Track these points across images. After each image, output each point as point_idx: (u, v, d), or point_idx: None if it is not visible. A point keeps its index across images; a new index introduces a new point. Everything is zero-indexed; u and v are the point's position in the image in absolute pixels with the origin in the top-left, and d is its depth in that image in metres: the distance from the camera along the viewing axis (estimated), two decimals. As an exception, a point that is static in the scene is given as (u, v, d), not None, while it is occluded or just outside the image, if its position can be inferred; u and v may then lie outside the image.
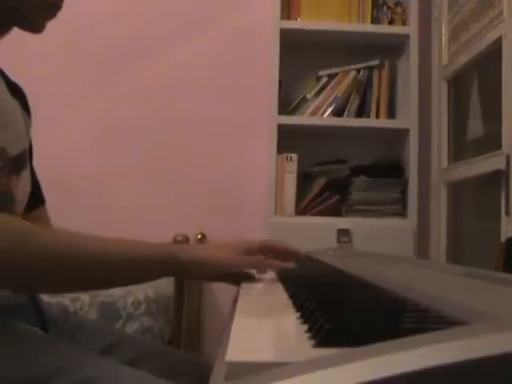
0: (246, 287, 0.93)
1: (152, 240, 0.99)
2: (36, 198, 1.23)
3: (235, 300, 0.82)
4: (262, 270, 1.07)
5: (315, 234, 2.67)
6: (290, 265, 1.10)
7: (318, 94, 2.89)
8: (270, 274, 1.08)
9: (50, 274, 0.86)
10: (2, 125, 1.02)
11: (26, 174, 1.11)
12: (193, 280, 1.04)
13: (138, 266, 0.94)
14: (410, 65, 2.81)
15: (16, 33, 1.08)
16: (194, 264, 0.97)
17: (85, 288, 1.02)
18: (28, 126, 1.20)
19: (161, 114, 3.04)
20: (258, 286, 0.98)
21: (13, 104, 1.11)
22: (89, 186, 2.97)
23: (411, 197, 2.77)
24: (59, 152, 2.93)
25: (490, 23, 2.29)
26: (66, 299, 2.19)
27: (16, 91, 1.17)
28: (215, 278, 1.07)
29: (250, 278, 1.06)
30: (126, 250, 0.93)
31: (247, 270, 1.08)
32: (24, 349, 0.91)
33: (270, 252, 1.10)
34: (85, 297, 2.22)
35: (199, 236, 2.80)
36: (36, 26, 1.06)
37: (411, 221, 2.74)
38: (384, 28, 2.90)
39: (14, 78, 1.19)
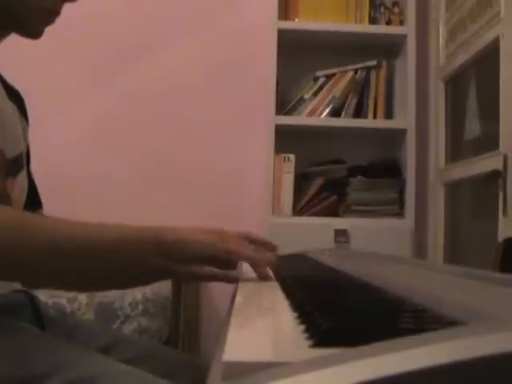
0: (243, 287, 0.93)
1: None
2: (32, 203, 1.24)
3: (232, 300, 0.82)
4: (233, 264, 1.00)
5: (312, 235, 2.67)
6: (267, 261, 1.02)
7: (315, 94, 2.89)
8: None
9: (37, 264, 0.84)
10: (0, 128, 1.03)
11: (22, 176, 1.12)
12: (178, 268, 0.97)
13: (125, 248, 0.92)
14: (407, 65, 2.81)
15: (13, 34, 1.08)
16: (179, 245, 0.94)
17: (77, 283, 0.95)
18: (25, 130, 1.20)
19: (158, 114, 3.04)
20: (256, 285, 0.98)
21: (10, 107, 1.11)
22: (87, 186, 2.97)
23: (409, 197, 2.77)
24: (57, 152, 2.93)
25: (488, 23, 2.30)
26: (63, 300, 2.19)
27: (13, 95, 1.17)
28: (196, 260, 0.98)
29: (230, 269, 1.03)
30: (113, 233, 0.93)
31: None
32: (22, 346, 0.91)
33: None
34: (82, 297, 2.21)
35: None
36: (34, 32, 1.07)
37: (409, 221, 2.74)
38: (381, 28, 2.91)
39: (10, 79, 1.19)
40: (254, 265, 0.99)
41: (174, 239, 0.94)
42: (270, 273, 1.02)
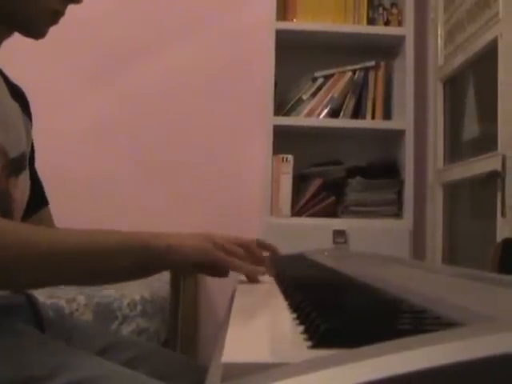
0: (241, 288, 0.93)
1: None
2: (39, 200, 1.25)
3: (231, 301, 0.82)
4: (223, 272, 1.03)
5: (311, 235, 2.67)
6: (257, 272, 1.03)
7: (313, 94, 2.89)
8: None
9: (24, 270, 0.86)
10: (2, 128, 1.03)
11: (24, 176, 1.12)
12: (165, 269, 0.99)
13: (110, 254, 0.93)
14: (405, 66, 2.82)
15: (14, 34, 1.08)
16: (168, 251, 0.94)
17: (62, 282, 0.98)
18: (28, 129, 1.21)
19: (156, 116, 3.04)
20: (254, 286, 0.98)
21: (13, 107, 1.12)
22: (86, 186, 2.97)
23: (407, 198, 2.77)
24: (56, 152, 2.93)
25: (486, 24, 2.30)
26: (61, 300, 2.19)
27: (17, 94, 1.17)
28: (186, 266, 1.03)
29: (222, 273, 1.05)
30: (100, 240, 0.93)
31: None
32: (21, 348, 0.91)
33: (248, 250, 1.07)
34: (80, 298, 2.21)
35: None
36: (39, 33, 1.07)
37: (407, 222, 2.75)
38: (380, 29, 2.91)
39: (14, 79, 1.19)
40: (245, 274, 1.03)
41: (163, 246, 0.95)
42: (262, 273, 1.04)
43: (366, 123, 2.86)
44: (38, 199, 1.24)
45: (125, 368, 0.94)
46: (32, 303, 1.12)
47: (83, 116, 3.02)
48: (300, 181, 2.88)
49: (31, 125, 1.24)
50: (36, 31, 1.07)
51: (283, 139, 2.77)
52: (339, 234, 2.70)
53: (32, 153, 1.25)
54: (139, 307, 2.26)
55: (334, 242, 2.69)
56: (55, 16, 1.06)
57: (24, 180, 1.12)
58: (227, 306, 0.84)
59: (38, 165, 1.29)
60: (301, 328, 0.52)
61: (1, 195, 1.03)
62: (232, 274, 1.05)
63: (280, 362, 0.38)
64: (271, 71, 2.77)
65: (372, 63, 2.90)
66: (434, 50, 2.90)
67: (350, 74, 2.89)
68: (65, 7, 1.07)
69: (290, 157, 2.80)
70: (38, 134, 1.29)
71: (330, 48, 2.95)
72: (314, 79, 2.93)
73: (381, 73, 2.91)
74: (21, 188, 1.10)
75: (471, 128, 2.58)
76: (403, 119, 2.81)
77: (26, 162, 1.14)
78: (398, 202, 2.82)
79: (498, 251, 1.65)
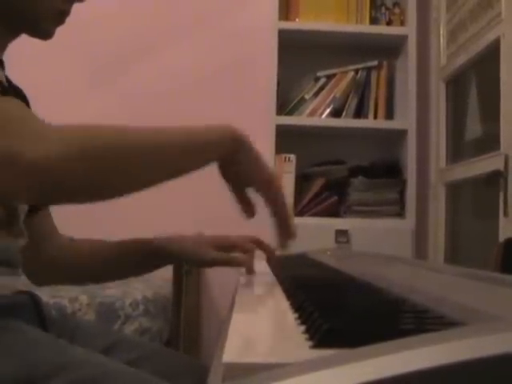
0: (243, 288, 0.93)
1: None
2: None
3: (233, 301, 0.82)
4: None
5: (313, 235, 2.67)
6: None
7: (316, 94, 2.89)
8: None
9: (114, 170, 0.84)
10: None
11: None
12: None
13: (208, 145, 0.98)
14: (408, 65, 2.81)
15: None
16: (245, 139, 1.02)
17: (148, 181, 0.92)
18: None
19: (158, 116, 3.03)
20: (256, 286, 0.98)
21: None
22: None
23: (409, 197, 2.77)
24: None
25: (489, 24, 2.29)
26: (64, 300, 2.19)
27: (18, 96, 1.17)
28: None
29: None
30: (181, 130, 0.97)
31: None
32: (25, 347, 0.91)
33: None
34: (83, 297, 2.21)
35: (197, 236, 2.79)
36: (46, 33, 1.08)
37: (409, 221, 2.74)
38: (382, 29, 2.90)
39: (12, 78, 1.19)
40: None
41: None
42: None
43: (368, 123, 2.85)
44: None
45: (128, 367, 0.94)
46: (35, 302, 1.12)
47: (84, 116, 3.02)
48: (302, 180, 2.88)
49: None
50: (43, 32, 1.08)
51: (285, 139, 2.77)
52: (341, 234, 2.70)
53: None
54: (141, 307, 2.26)
55: (337, 242, 2.69)
56: (61, 16, 1.08)
57: None
58: (229, 306, 0.84)
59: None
60: (302, 328, 0.52)
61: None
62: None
63: (281, 362, 0.38)
64: (274, 71, 2.77)
65: (374, 63, 2.90)
66: (437, 50, 2.90)
67: (352, 73, 2.89)
68: (70, 6, 1.08)
69: (293, 156, 2.80)
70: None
71: (333, 48, 2.95)
72: (317, 79, 2.93)
73: (383, 72, 2.91)
74: None
75: (474, 128, 2.57)
76: (405, 119, 2.81)
77: None
78: (401, 201, 2.82)
79: (501, 251, 1.64)
